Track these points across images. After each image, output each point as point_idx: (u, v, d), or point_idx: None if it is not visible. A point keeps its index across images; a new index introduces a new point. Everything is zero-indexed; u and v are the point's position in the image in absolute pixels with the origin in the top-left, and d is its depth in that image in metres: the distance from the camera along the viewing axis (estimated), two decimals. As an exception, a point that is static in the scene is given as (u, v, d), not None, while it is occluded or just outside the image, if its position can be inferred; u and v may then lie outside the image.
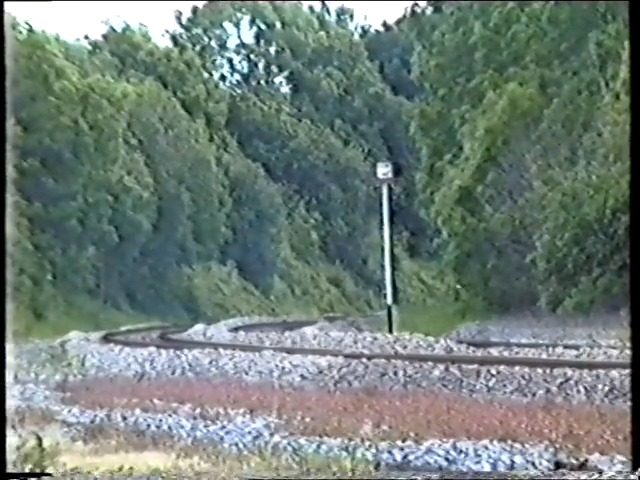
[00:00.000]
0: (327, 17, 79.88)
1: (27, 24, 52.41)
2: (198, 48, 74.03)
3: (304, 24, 76.89)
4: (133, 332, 35.57)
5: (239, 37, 76.54)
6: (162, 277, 59.37)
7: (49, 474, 8.73)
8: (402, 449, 9.58)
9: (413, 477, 8.99)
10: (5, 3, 7.74)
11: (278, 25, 76.11)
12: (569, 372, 14.61)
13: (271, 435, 10.63)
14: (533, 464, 8.97)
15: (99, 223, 53.83)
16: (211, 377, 18.02)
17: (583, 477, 8.34)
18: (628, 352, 17.53)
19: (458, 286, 37.57)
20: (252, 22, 76.05)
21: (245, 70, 76.94)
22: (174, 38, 74.14)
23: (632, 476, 7.90)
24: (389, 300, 32.50)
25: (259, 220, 67.54)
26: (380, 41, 79.62)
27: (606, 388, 13.84)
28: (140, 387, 16.50)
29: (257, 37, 76.45)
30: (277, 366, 17.90)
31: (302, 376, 17.05)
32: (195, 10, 75.50)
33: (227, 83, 76.22)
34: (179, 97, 64.44)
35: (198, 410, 12.47)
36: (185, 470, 9.19)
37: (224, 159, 67.36)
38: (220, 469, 9.30)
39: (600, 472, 8.48)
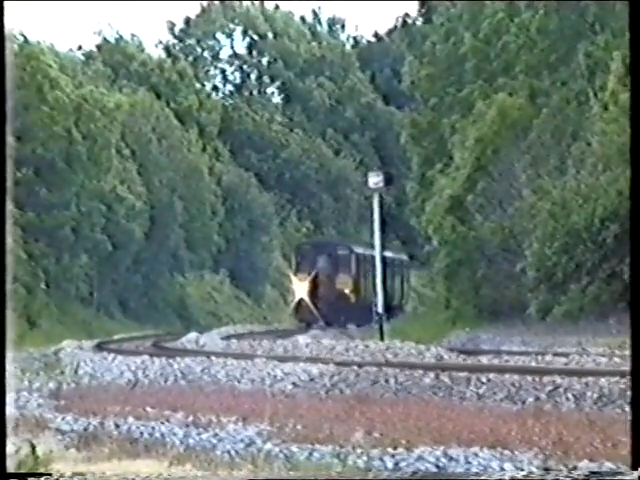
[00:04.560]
0: (319, 28, 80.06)
1: (22, 35, 52.54)
2: (191, 59, 74.15)
3: (296, 35, 77.06)
4: (126, 340, 35.53)
5: (232, 48, 76.74)
6: (155, 285, 59.36)
7: (49, 474, 8.83)
8: (393, 456, 9.70)
9: (407, 477, 9.13)
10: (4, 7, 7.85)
11: (270, 36, 76.27)
12: (558, 380, 14.73)
13: (263, 442, 10.73)
14: (522, 471, 9.10)
15: (92, 232, 53.82)
16: (203, 385, 18.08)
17: (581, 478, 8.44)
18: (617, 360, 17.71)
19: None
20: (244, 33, 76.21)
21: (237, 80, 77.08)
22: (167, 49, 74.27)
23: (632, 476, 8.00)
24: (380, 308, 32.59)
25: (251, 229, 67.62)
26: (371, 51, 79.81)
27: (595, 395, 13.97)
28: (133, 395, 16.55)
29: (249, 48, 76.60)
30: (269, 374, 17.99)
31: (294, 384, 17.14)
32: (188, 21, 75.68)
33: (220, 93, 76.35)
34: (172, 107, 64.52)
35: (191, 418, 12.55)
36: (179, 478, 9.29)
37: (216, 168, 67.44)
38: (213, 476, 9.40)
39: (601, 473, 8.60)
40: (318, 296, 41.00)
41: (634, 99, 7.63)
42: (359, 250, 44.34)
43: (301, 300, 41.16)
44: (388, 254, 45.91)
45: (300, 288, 41.18)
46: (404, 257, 46.36)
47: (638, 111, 7.55)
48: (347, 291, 41.49)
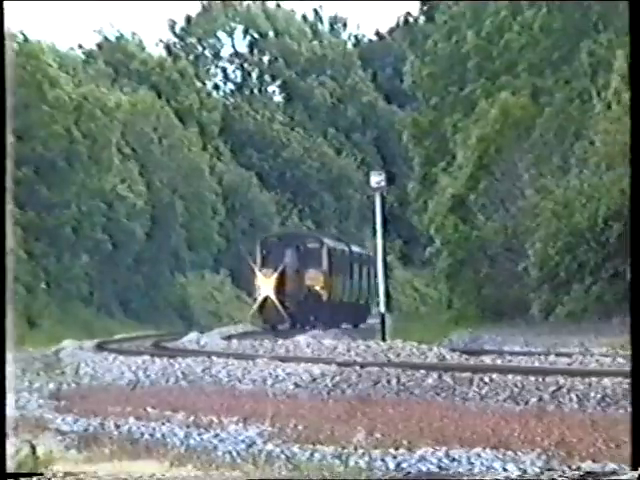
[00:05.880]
0: (320, 26, 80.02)
1: (22, 34, 52.52)
2: (192, 57, 74.13)
3: (297, 33, 77.02)
4: (127, 340, 35.48)
5: (233, 46, 76.70)
6: (156, 285, 59.34)
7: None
8: (395, 457, 9.64)
9: (408, 477, 9.07)
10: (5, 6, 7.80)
11: (271, 34, 76.24)
12: (561, 380, 14.68)
13: (264, 443, 10.67)
14: (525, 472, 9.05)
15: (93, 231, 53.81)
16: (205, 385, 18.03)
17: (576, 477, 8.41)
18: (620, 360, 17.64)
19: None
20: (246, 31, 76.18)
21: (238, 79, 77.05)
22: (168, 47, 74.25)
23: (632, 475, 7.96)
24: (382, 308, 32.47)
25: (252, 228, 67.57)
26: (373, 50, 79.78)
27: (598, 396, 13.91)
28: (134, 395, 16.50)
29: (251, 46, 76.57)
30: (270, 374, 17.94)
31: (295, 384, 17.08)
32: (189, 19, 75.64)
33: (220, 92, 76.33)
34: (173, 106, 64.50)
35: (192, 418, 12.50)
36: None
37: (217, 168, 67.42)
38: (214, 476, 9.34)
39: (601, 473, 8.55)
40: (285, 294, 37.23)
41: (634, 99, 7.56)
42: (331, 243, 41.28)
43: (266, 298, 37.39)
44: (355, 249, 44.38)
45: (265, 285, 37.28)
46: (371, 253, 44.51)
47: (638, 111, 7.49)
48: (318, 288, 37.97)
